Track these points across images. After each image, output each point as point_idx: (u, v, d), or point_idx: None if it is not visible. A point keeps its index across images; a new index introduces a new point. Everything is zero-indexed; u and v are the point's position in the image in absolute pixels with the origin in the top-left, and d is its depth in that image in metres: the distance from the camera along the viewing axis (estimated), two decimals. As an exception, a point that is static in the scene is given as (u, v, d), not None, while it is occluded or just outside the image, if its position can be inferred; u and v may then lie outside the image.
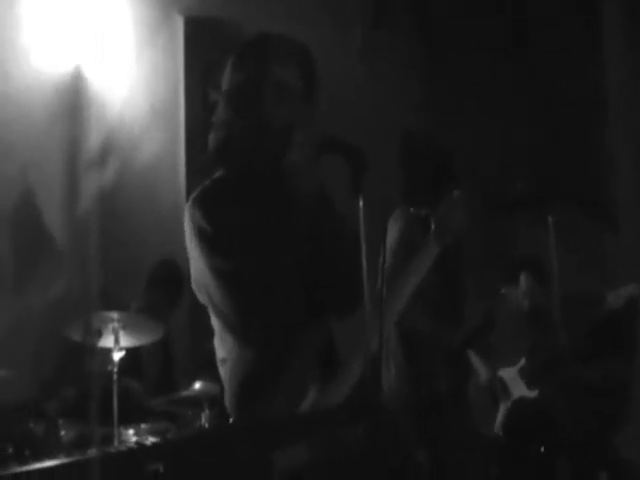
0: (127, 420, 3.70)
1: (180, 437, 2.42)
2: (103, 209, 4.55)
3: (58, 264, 4.56)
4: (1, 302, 4.27)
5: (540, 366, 4.69)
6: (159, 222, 4.91)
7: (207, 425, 3.85)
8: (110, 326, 3.82)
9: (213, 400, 3.83)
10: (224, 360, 2.08)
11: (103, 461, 1.46)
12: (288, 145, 1.97)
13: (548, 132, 5.93)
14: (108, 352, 3.81)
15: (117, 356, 3.79)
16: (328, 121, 2.05)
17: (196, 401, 4.00)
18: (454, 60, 6.00)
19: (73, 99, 4.79)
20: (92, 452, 1.68)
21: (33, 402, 3.86)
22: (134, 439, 3.68)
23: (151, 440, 3.50)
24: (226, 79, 2.12)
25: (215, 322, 2.08)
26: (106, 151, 4.74)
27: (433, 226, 2.33)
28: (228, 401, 2.08)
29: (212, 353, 2.13)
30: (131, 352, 3.96)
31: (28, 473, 1.44)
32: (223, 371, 2.10)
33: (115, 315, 3.83)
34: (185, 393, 4.13)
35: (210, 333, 2.12)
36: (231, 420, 2.07)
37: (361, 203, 1.80)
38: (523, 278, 4.97)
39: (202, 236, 2.00)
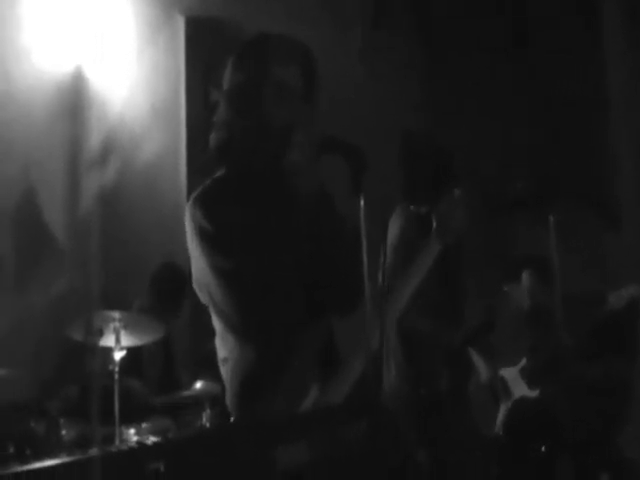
0: (128, 419, 3.70)
1: (181, 436, 2.42)
2: (104, 208, 4.56)
3: (59, 263, 4.57)
4: (2, 301, 4.28)
5: (541, 366, 4.69)
6: (160, 221, 4.91)
7: (208, 424, 3.86)
8: (111, 325, 3.82)
9: (214, 399, 3.83)
10: (225, 360, 2.08)
11: (104, 460, 1.47)
12: (288, 145, 1.98)
13: (548, 132, 5.93)
14: (109, 351, 3.82)
15: (118, 355, 3.80)
16: (328, 121, 2.06)
17: (197, 400, 4.01)
18: (454, 60, 6.00)
19: (74, 99, 4.79)
20: (93, 451, 1.68)
21: (34, 401, 3.86)
22: (135, 438, 3.69)
23: (152, 439, 3.50)
24: (227, 79, 2.12)
25: (216, 322, 2.09)
26: (107, 150, 4.74)
27: (434, 226, 2.33)
28: (229, 400, 2.09)
29: (213, 353, 2.13)
30: (132, 352, 3.97)
31: (29, 472, 1.44)
32: (224, 371, 2.10)
33: (116, 314, 3.83)
34: (186, 393, 4.14)
35: (211, 333, 2.12)
36: (232, 419, 2.07)
37: (362, 203, 1.80)
38: (525, 276, 4.97)
39: (203, 235, 2.01)
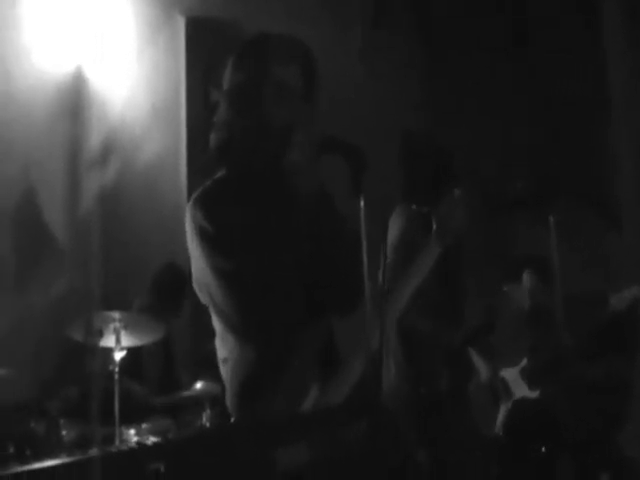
0: (128, 420, 3.70)
1: (181, 437, 2.42)
2: (104, 209, 4.56)
3: (59, 263, 4.57)
4: (2, 301, 4.28)
5: (542, 366, 4.69)
6: (160, 222, 4.91)
7: (208, 425, 3.86)
8: (111, 326, 3.82)
9: (214, 400, 3.83)
10: (225, 360, 2.08)
11: (104, 461, 1.47)
12: (288, 145, 1.98)
13: (548, 132, 5.93)
14: (109, 352, 3.82)
15: (118, 356, 3.80)
16: (328, 121, 2.05)
17: (197, 401, 4.01)
18: (454, 60, 6.00)
19: (74, 99, 4.79)
20: (93, 452, 1.68)
21: (34, 402, 3.86)
22: (135, 439, 3.69)
23: (152, 440, 3.50)
24: (227, 79, 2.12)
25: (216, 322, 2.09)
26: (107, 151, 4.74)
27: (434, 226, 2.33)
28: (229, 401, 2.09)
29: (213, 353, 2.13)
30: (132, 352, 3.97)
31: (29, 473, 1.44)
32: (224, 371, 2.10)
33: (116, 315, 3.83)
34: (186, 393, 4.15)
35: (211, 333, 2.12)
36: (232, 420, 2.07)
37: (362, 203, 1.80)
38: (526, 276, 4.96)
39: (203, 236, 2.01)
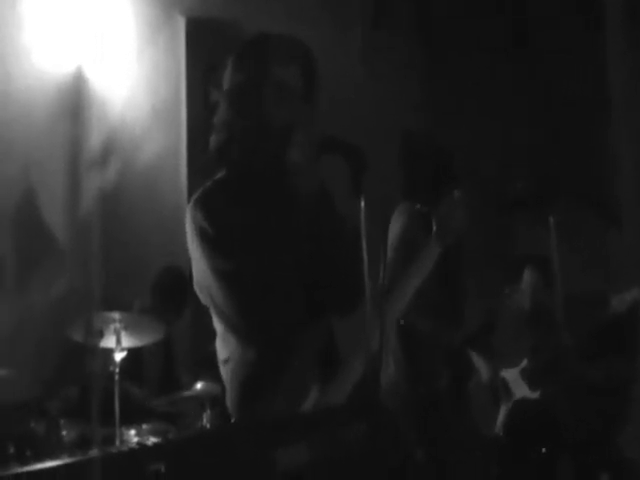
0: (128, 420, 3.70)
1: (181, 437, 2.42)
2: (104, 209, 4.56)
3: (60, 264, 4.57)
4: (3, 301, 4.28)
5: (542, 366, 4.69)
6: (161, 222, 4.91)
7: (208, 425, 3.86)
8: (112, 326, 3.82)
9: (214, 400, 3.83)
10: (226, 360, 2.08)
11: (104, 461, 1.47)
12: (288, 145, 1.98)
13: (548, 132, 5.93)
14: (110, 352, 3.82)
15: (119, 356, 3.80)
16: (328, 121, 2.05)
17: (197, 401, 4.01)
18: (454, 60, 6.00)
19: (74, 99, 4.79)
20: (93, 452, 1.68)
21: (34, 402, 3.86)
22: (135, 439, 3.69)
23: (152, 440, 3.51)
24: (227, 79, 2.12)
25: (217, 323, 2.09)
26: (107, 151, 4.74)
27: (435, 226, 2.33)
28: (229, 401, 2.09)
29: (214, 354, 2.13)
30: (133, 353, 3.97)
31: (29, 473, 1.44)
32: (225, 371, 2.10)
33: (117, 315, 3.83)
34: (187, 393, 4.14)
35: (212, 334, 2.12)
36: (232, 420, 2.07)
37: (362, 203, 1.80)
38: (527, 273, 4.97)
39: (203, 237, 2.01)
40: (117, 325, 3.81)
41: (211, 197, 2.07)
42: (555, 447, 4.46)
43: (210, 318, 2.10)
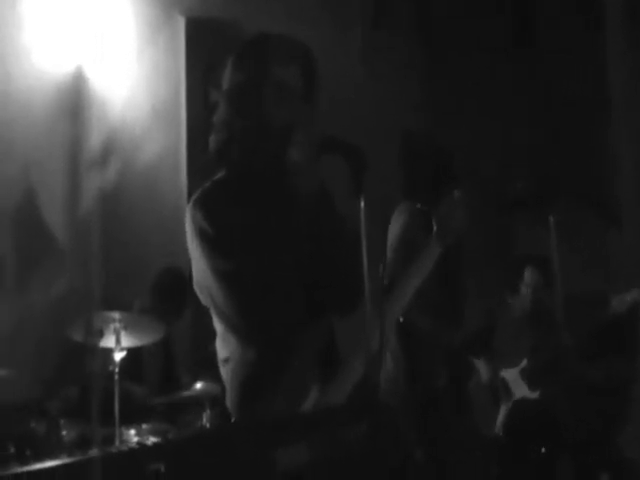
0: (128, 420, 3.70)
1: (181, 437, 2.42)
2: (104, 209, 4.56)
3: (60, 264, 4.57)
4: (3, 301, 4.28)
5: (542, 366, 4.70)
6: (161, 222, 4.91)
7: (208, 425, 3.86)
8: (111, 326, 3.82)
9: (214, 400, 3.83)
10: (226, 360, 2.08)
11: (104, 461, 1.47)
12: (288, 145, 1.97)
13: (548, 132, 5.93)
14: (109, 352, 3.82)
15: (118, 356, 3.80)
16: (328, 121, 2.05)
17: (197, 401, 4.01)
18: (454, 60, 6.01)
19: (74, 99, 4.79)
20: (93, 452, 1.68)
21: (34, 402, 3.86)
22: (135, 439, 3.69)
23: (152, 440, 3.51)
24: (226, 79, 2.12)
25: (217, 323, 2.08)
26: (107, 151, 4.74)
27: (435, 227, 2.33)
28: (230, 401, 2.09)
29: (213, 354, 2.13)
30: (132, 352, 3.97)
31: (29, 473, 1.44)
32: (225, 371, 2.10)
33: (116, 315, 3.83)
34: (186, 393, 4.14)
35: (212, 334, 2.12)
36: (232, 420, 2.07)
37: (362, 203, 1.80)
38: (527, 273, 4.97)
39: (203, 237, 2.00)
40: (117, 325, 3.81)
41: (211, 197, 2.07)
42: (555, 447, 4.46)
43: (210, 318, 2.10)
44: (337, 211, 2.06)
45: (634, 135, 5.65)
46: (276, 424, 1.70)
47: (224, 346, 2.08)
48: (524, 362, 4.80)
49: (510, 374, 4.82)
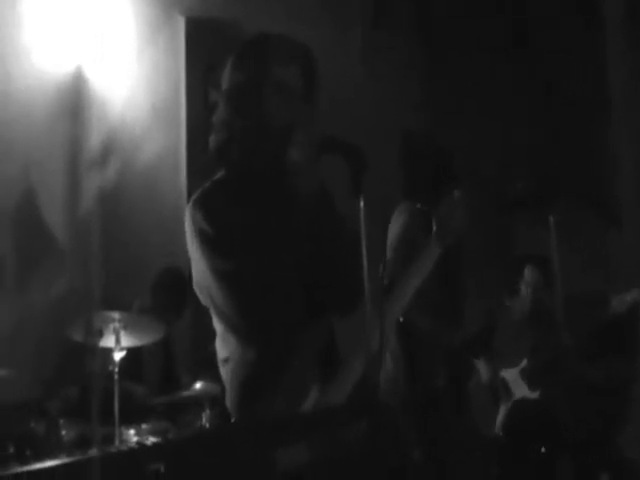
0: (128, 420, 3.70)
1: (181, 437, 2.42)
2: (104, 209, 4.56)
3: (60, 264, 4.57)
4: (3, 301, 4.28)
5: (542, 366, 4.70)
6: (160, 222, 4.91)
7: (208, 425, 3.86)
8: (111, 326, 3.82)
9: (214, 400, 3.83)
10: (226, 360, 2.08)
11: (104, 461, 1.47)
12: (288, 145, 1.97)
13: (548, 132, 5.93)
14: (109, 352, 3.82)
15: (118, 356, 3.80)
16: (328, 121, 2.05)
17: (197, 401, 4.01)
18: (454, 60, 6.01)
19: (74, 99, 4.79)
20: (93, 452, 1.68)
21: (34, 401, 3.86)
22: (135, 439, 3.69)
23: (152, 440, 3.51)
24: (226, 78, 2.12)
25: (217, 323, 2.08)
26: (107, 151, 4.74)
27: (434, 227, 2.33)
28: (229, 401, 2.09)
29: (213, 354, 2.13)
30: (132, 352, 3.97)
31: (29, 473, 1.44)
32: (224, 371, 2.10)
33: (116, 315, 3.83)
34: (186, 393, 4.14)
35: (212, 334, 2.12)
36: (232, 420, 2.07)
37: (362, 203, 1.80)
38: (527, 272, 4.97)
39: (203, 238, 2.00)
40: (116, 325, 3.81)
41: (210, 197, 2.07)
42: (555, 447, 4.46)
43: (210, 318, 2.10)
44: (337, 211, 2.06)
45: (634, 135, 5.65)
46: (276, 424, 1.70)
47: (224, 346, 2.08)
48: (524, 362, 4.80)
49: (510, 374, 4.82)
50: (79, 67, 4.83)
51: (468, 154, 4.18)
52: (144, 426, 3.79)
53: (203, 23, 5.34)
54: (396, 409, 3.30)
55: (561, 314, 3.91)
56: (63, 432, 3.61)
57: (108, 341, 3.83)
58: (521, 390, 4.78)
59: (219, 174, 2.14)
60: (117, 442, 3.52)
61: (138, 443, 3.42)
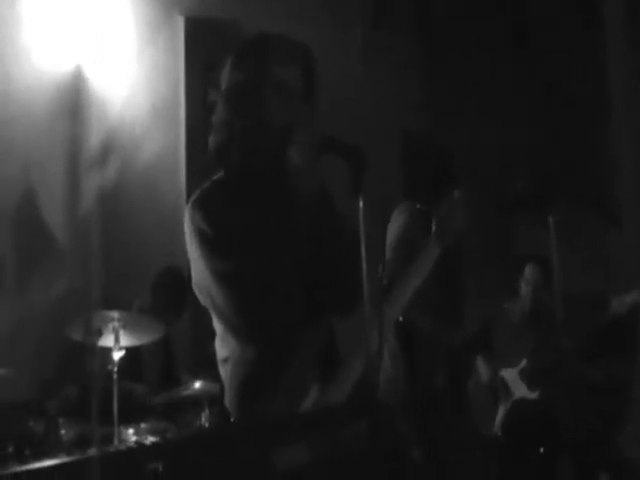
0: (127, 419, 3.70)
1: (180, 436, 2.43)
2: (104, 209, 4.56)
3: (59, 263, 4.57)
4: (3, 301, 4.28)
5: (541, 366, 4.70)
6: (160, 222, 4.91)
7: (207, 425, 3.86)
8: (110, 325, 3.82)
9: (213, 400, 3.83)
10: (226, 360, 2.08)
11: (103, 460, 1.47)
12: (288, 145, 1.97)
13: (548, 132, 5.93)
14: (108, 351, 3.82)
15: (117, 355, 3.79)
16: (328, 121, 2.05)
17: (196, 401, 4.01)
18: (454, 60, 6.01)
19: (74, 98, 4.79)
20: (92, 451, 1.68)
21: (33, 401, 3.86)
22: (134, 438, 3.68)
23: (151, 439, 3.52)
24: (225, 78, 2.11)
25: (217, 323, 2.08)
26: (107, 150, 4.74)
27: (434, 227, 2.33)
28: (229, 401, 2.08)
29: (213, 353, 2.13)
30: (131, 352, 3.97)
31: (28, 472, 1.44)
32: (224, 371, 2.10)
33: (115, 314, 3.83)
34: (185, 392, 4.14)
35: (212, 334, 2.12)
36: (232, 419, 2.07)
37: (361, 203, 1.80)
38: (528, 269, 4.97)
39: (202, 238, 2.00)
40: (116, 324, 3.81)
41: (210, 198, 2.07)
42: (555, 447, 4.46)
43: (209, 318, 2.10)
44: (337, 211, 2.06)
45: (634, 135, 5.65)
46: (276, 424, 1.70)
47: (223, 346, 2.08)
48: (523, 362, 4.80)
49: (509, 374, 4.82)
50: (79, 67, 4.83)
51: (468, 154, 4.17)
52: (143, 425, 3.79)
53: (202, 23, 5.34)
54: (396, 409, 3.30)
55: (561, 314, 3.91)
56: (62, 431, 3.61)
57: (107, 340, 3.83)
58: (520, 390, 4.78)
59: (218, 174, 2.14)
60: (116, 441, 3.52)
61: (137, 442, 3.43)
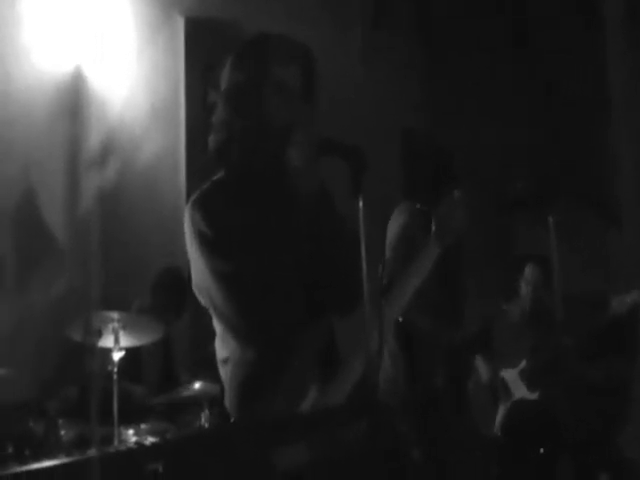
0: (127, 420, 3.70)
1: (179, 437, 2.42)
2: (104, 209, 4.56)
3: (59, 263, 4.57)
4: (3, 301, 4.28)
5: (541, 366, 4.70)
6: (160, 222, 4.91)
7: (206, 425, 3.86)
8: (110, 326, 3.82)
9: (213, 400, 3.83)
10: (225, 360, 2.08)
11: (103, 461, 1.46)
12: (288, 145, 1.97)
13: (548, 132, 5.93)
14: (108, 352, 3.82)
15: (117, 356, 3.79)
16: (328, 121, 2.05)
17: (196, 401, 4.01)
18: (454, 60, 6.01)
19: (74, 98, 4.79)
20: (92, 452, 1.68)
21: (33, 401, 3.86)
22: (134, 439, 3.68)
23: (151, 440, 3.51)
24: (225, 78, 2.11)
25: (217, 323, 2.08)
26: (107, 151, 4.74)
27: (434, 227, 2.33)
28: (229, 401, 2.08)
29: (213, 354, 2.13)
30: (131, 352, 3.96)
31: (28, 473, 1.44)
32: (224, 371, 2.09)
33: (115, 315, 3.83)
34: (185, 393, 4.14)
35: (212, 334, 2.11)
36: (232, 420, 2.07)
37: (361, 203, 1.80)
38: (529, 269, 4.97)
39: (202, 239, 2.00)
40: (115, 325, 3.81)
41: (209, 198, 2.07)
42: (555, 447, 4.46)
43: (209, 318, 2.09)
44: (337, 211, 2.06)
45: (634, 135, 5.65)
46: (276, 424, 1.70)
47: (223, 346, 2.08)
48: (523, 362, 4.80)
49: (509, 374, 4.82)
50: (78, 67, 4.83)
51: (468, 154, 4.17)
52: (143, 426, 3.79)
53: (202, 23, 5.34)
54: (396, 409, 3.30)
55: (561, 314, 3.91)
56: (62, 432, 3.61)
57: (107, 341, 3.83)
58: (520, 391, 4.78)
59: (218, 174, 2.14)
60: (116, 442, 3.52)
61: (137, 443, 3.42)
